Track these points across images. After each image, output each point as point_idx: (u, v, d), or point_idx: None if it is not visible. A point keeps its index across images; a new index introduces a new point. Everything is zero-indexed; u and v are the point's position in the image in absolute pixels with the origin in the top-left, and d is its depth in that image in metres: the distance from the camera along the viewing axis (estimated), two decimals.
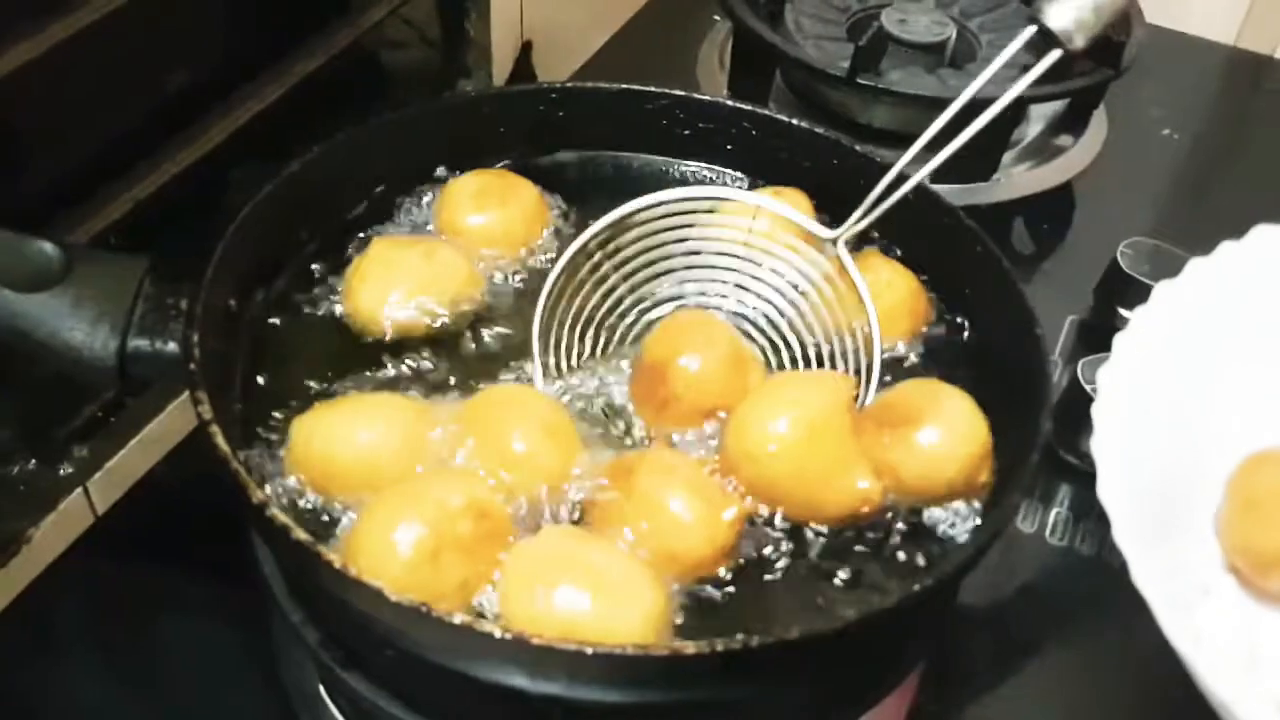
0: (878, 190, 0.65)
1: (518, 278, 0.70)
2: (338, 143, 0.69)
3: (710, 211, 0.68)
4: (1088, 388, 0.76)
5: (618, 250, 0.67)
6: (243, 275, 0.63)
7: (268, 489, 0.57)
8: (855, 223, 0.66)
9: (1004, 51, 0.63)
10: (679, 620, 0.54)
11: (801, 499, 0.58)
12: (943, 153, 0.63)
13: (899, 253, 0.71)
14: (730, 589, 0.56)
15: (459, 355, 0.65)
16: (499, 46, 1.03)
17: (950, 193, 0.72)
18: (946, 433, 0.59)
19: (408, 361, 0.64)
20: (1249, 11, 1.29)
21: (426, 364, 0.64)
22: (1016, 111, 1.03)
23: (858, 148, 0.72)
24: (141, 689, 0.69)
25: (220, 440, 0.52)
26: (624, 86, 0.75)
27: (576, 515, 0.58)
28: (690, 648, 0.47)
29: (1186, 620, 0.56)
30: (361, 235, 0.70)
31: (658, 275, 0.68)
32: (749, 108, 0.74)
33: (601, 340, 0.66)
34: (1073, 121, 1.07)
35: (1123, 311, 0.68)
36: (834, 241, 0.66)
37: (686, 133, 0.76)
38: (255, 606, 0.63)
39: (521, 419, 0.58)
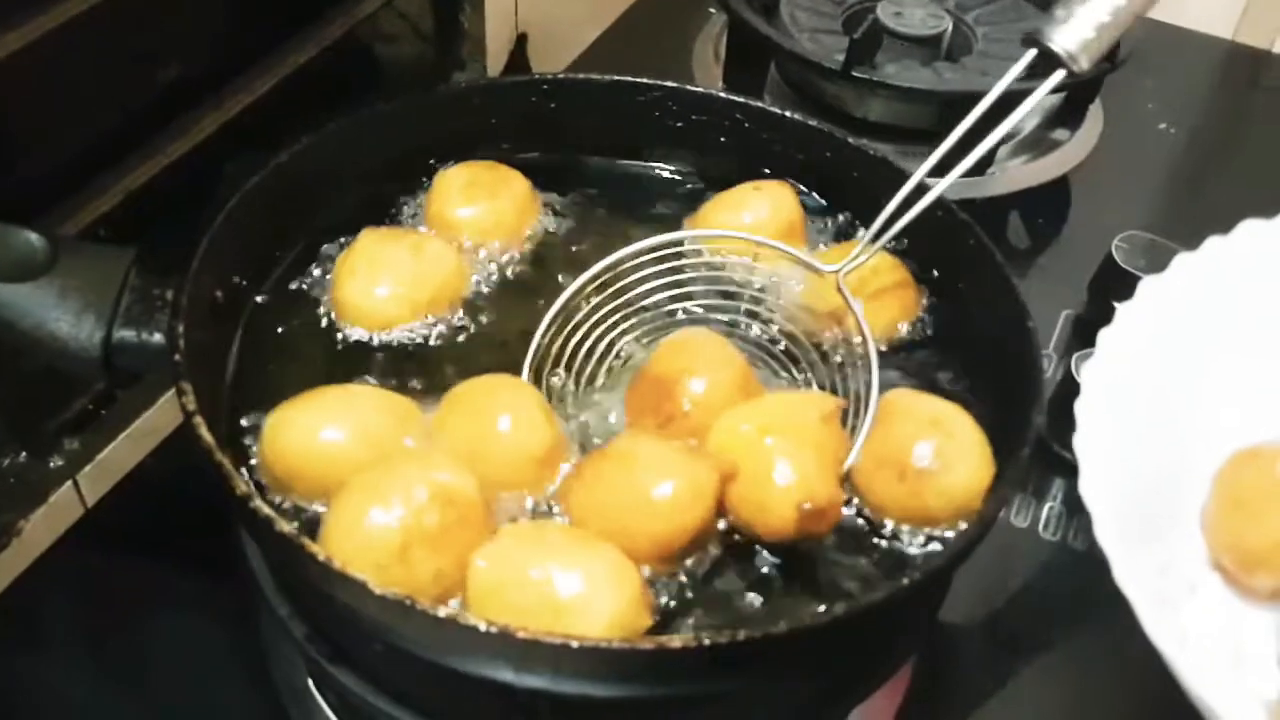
0: (876, 225, 0.64)
1: (507, 270, 0.69)
2: (327, 134, 0.68)
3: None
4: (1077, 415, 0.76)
5: (613, 291, 0.66)
6: (230, 267, 0.63)
7: (253, 481, 0.57)
8: (855, 258, 0.64)
9: (1001, 81, 0.61)
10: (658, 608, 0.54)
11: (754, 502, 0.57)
12: (938, 187, 0.63)
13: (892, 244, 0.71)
14: (716, 579, 0.56)
15: (446, 346, 0.65)
16: (493, 39, 1.03)
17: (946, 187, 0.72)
18: (958, 488, 0.57)
19: (395, 354, 0.64)
20: (1247, 6, 1.28)
21: (413, 356, 0.64)
22: (1012, 107, 1.02)
23: (850, 140, 0.72)
24: (130, 683, 0.69)
25: (205, 432, 0.52)
26: (616, 78, 0.75)
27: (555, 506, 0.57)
28: (676, 642, 0.47)
29: (1172, 618, 0.56)
30: (351, 227, 0.69)
31: (652, 319, 0.66)
32: (741, 100, 0.74)
33: (599, 375, 0.64)
34: (1069, 115, 1.06)
35: (1117, 306, 0.68)
36: (836, 274, 0.65)
37: (679, 125, 0.76)
38: (245, 600, 0.62)
39: (504, 406, 0.57)
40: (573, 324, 0.64)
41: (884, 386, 0.63)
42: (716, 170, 0.76)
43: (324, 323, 0.65)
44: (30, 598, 0.71)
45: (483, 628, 0.47)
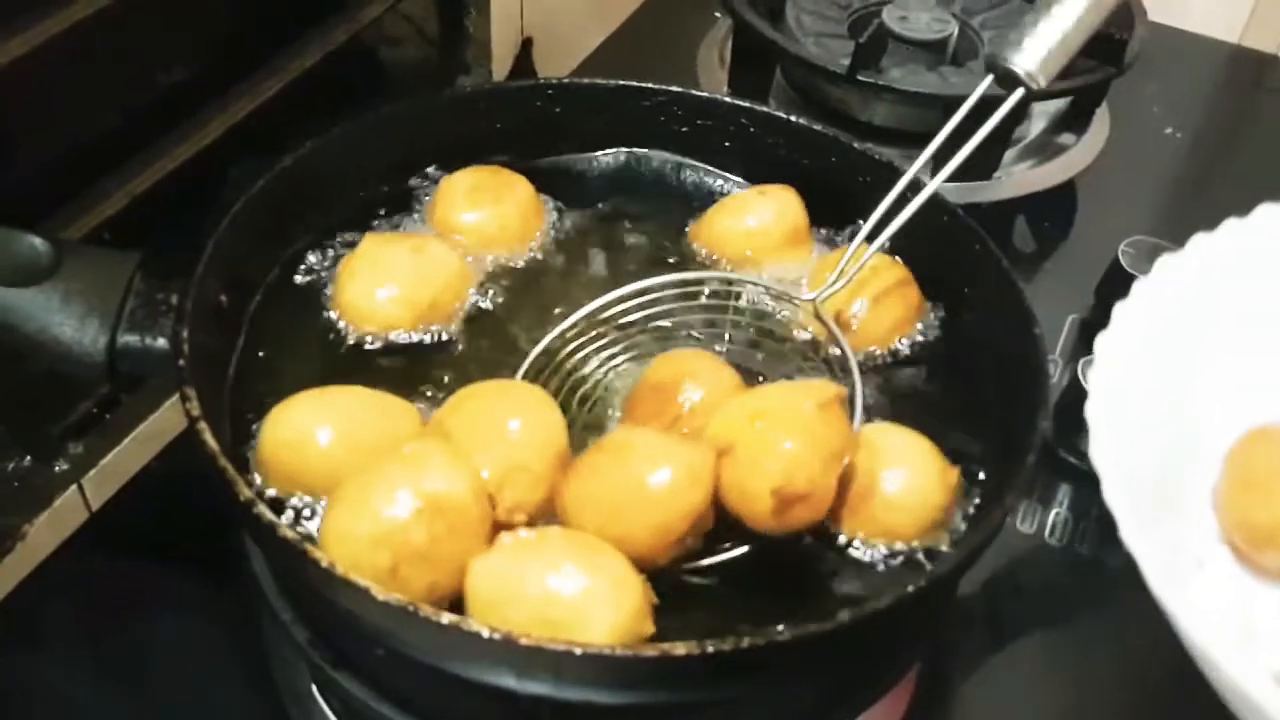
0: (853, 247, 0.64)
1: (511, 274, 0.69)
2: (331, 138, 0.68)
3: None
4: (1088, 388, 0.76)
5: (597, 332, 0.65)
6: (234, 270, 0.63)
7: (258, 485, 0.57)
8: (831, 285, 0.65)
9: (962, 106, 0.65)
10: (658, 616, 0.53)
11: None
12: (909, 207, 0.64)
13: (897, 249, 0.71)
14: (713, 582, 0.56)
15: (449, 351, 0.65)
16: (499, 43, 1.03)
17: (951, 191, 0.72)
18: (901, 512, 0.57)
19: (397, 357, 0.64)
20: (1254, 10, 1.28)
21: (416, 360, 0.64)
22: (1019, 111, 1.02)
23: (855, 145, 0.72)
24: (133, 686, 0.69)
25: (208, 437, 0.52)
26: (621, 83, 0.75)
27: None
28: (680, 649, 0.47)
29: (1180, 592, 0.55)
30: (355, 231, 0.69)
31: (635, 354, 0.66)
32: (746, 104, 0.74)
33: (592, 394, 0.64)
34: (1075, 120, 1.06)
35: (1138, 278, 0.69)
36: (814, 305, 0.65)
37: (684, 129, 0.76)
38: (248, 605, 0.62)
39: (509, 411, 0.56)
40: (569, 348, 0.64)
41: (890, 393, 0.63)
42: (722, 175, 0.76)
43: (327, 326, 0.65)
44: (34, 602, 0.71)
45: (485, 634, 0.47)
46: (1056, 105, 1.07)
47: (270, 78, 0.82)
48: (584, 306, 0.64)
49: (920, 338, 0.68)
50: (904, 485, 0.57)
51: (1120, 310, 0.65)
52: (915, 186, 0.64)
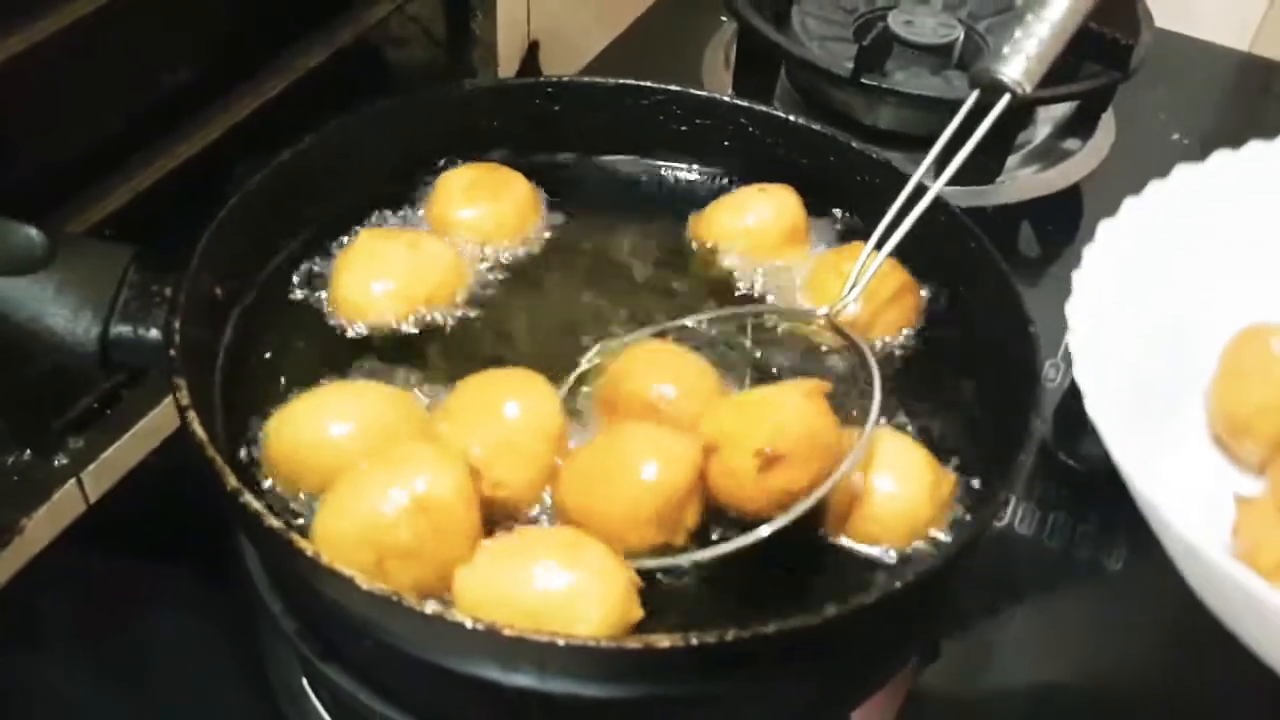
0: (863, 256, 0.65)
1: (507, 271, 0.69)
2: (329, 134, 0.69)
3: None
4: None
5: None
6: (230, 264, 0.63)
7: (257, 479, 0.57)
8: (845, 298, 0.65)
9: (950, 123, 0.67)
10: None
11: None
12: (913, 214, 0.65)
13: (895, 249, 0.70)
14: (704, 580, 0.56)
15: (443, 346, 0.65)
16: (505, 45, 1.03)
17: (955, 194, 0.71)
18: (886, 522, 0.58)
19: (391, 351, 0.64)
20: (1264, 18, 1.28)
21: (410, 354, 0.64)
22: (1023, 115, 1.02)
23: (854, 144, 0.72)
24: (129, 680, 0.69)
25: (198, 427, 0.52)
26: (620, 81, 0.75)
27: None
28: (664, 641, 0.47)
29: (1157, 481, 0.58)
30: (352, 227, 0.69)
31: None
32: (745, 104, 0.74)
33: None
34: (1080, 125, 1.06)
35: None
36: (828, 317, 0.66)
37: (683, 129, 0.76)
38: (243, 599, 0.62)
39: (505, 394, 0.57)
40: None
41: (886, 391, 0.63)
42: (721, 174, 0.76)
43: (322, 320, 0.65)
44: (29, 594, 0.71)
45: (469, 624, 0.47)
46: (1062, 110, 1.06)
47: (274, 76, 0.83)
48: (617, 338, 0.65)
49: (917, 336, 0.68)
50: (890, 496, 0.57)
51: (1089, 250, 0.68)
52: (919, 191, 0.66)
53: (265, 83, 0.82)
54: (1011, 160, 1.01)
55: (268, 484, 0.57)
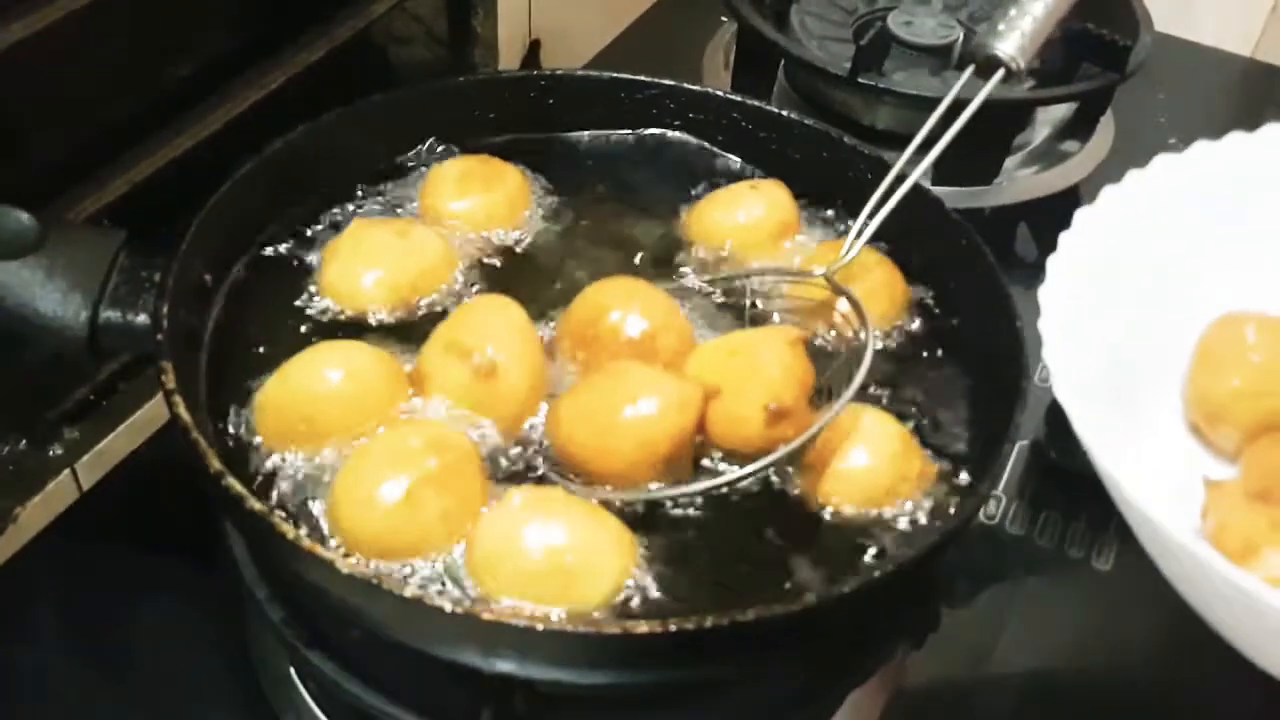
0: (860, 219, 0.65)
1: (496, 261, 0.69)
2: (321, 124, 0.69)
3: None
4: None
5: None
6: (219, 250, 0.64)
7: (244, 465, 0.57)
8: (844, 258, 0.65)
9: (950, 90, 0.69)
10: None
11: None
12: (908, 180, 0.65)
13: (885, 245, 0.70)
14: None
15: (431, 331, 0.65)
16: (506, 43, 1.03)
17: (952, 195, 0.72)
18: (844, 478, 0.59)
19: (380, 338, 0.64)
20: (1267, 23, 1.28)
21: (399, 342, 0.64)
22: (1021, 115, 1.02)
23: (846, 139, 0.72)
24: (118, 666, 0.69)
25: (182, 410, 0.52)
26: (614, 75, 0.75)
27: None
28: (642, 627, 0.47)
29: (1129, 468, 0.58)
30: (343, 216, 0.70)
31: None
32: (738, 98, 0.74)
33: None
34: (1079, 127, 1.06)
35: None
36: (826, 277, 0.66)
37: (677, 123, 0.76)
38: (232, 588, 0.62)
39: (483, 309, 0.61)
40: None
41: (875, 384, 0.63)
42: (713, 169, 0.76)
43: (311, 307, 0.65)
44: (20, 581, 0.71)
45: (448, 608, 0.47)
46: (1061, 112, 1.06)
47: (274, 71, 0.83)
48: None
49: (906, 330, 0.68)
50: (849, 455, 0.59)
51: (1065, 238, 0.70)
52: (926, 144, 0.66)
53: (265, 77, 0.83)
54: (1010, 162, 1.01)
55: (258, 440, 0.58)
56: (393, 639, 0.51)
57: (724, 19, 1.15)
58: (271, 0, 0.86)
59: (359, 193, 0.72)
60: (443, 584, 0.52)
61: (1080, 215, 0.70)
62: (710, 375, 0.59)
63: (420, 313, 0.65)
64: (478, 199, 0.70)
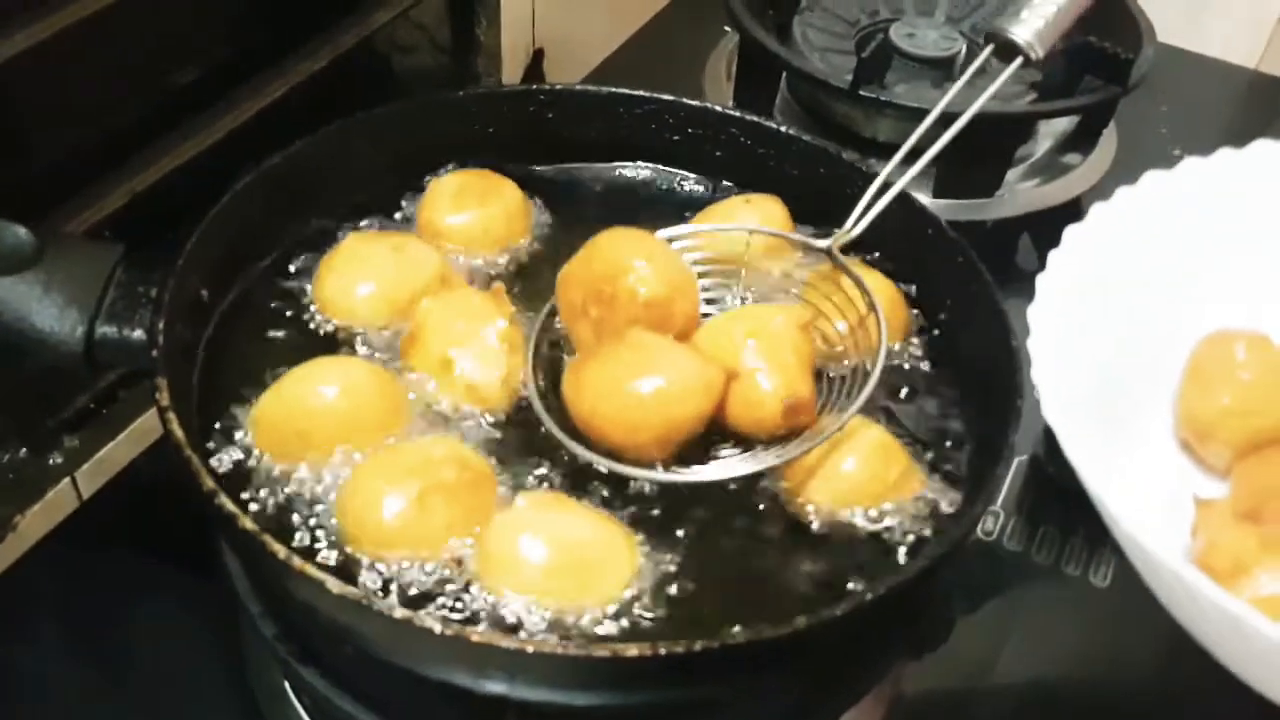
0: (867, 197, 0.65)
1: (496, 276, 0.70)
2: (320, 137, 0.69)
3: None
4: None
5: None
6: (217, 265, 0.64)
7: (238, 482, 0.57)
8: (848, 231, 0.66)
9: (970, 67, 0.70)
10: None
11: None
12: (924, 158, 0.66)
13: (884, 263, 0.70)
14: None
15: None
16: (510, 53, 1.03)
17: (953, 208, 0.71)
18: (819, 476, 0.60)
19: (375, 353, 0.64)
20: (1273, 35, 1.27)
21: (394, 357, 0.64)
22: (1023, 128, 1.02)
23: (844, 155, 0.72)
24: (116, 674, 0.70)
25: (176, 427, 0.52)
26: (613, 90, 0.75)
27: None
28: (631, 649, 0.47)
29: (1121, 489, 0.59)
30: (341, 231, 0.70)
31: None
32: (736, 113, 0.74)
33: None
34: (1082, 140, 1.05)
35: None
36: (829, 251, 0.66)
37: (676, 138, 0.76)
38: (229, 601, 0.62)
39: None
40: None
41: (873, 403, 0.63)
42: (711, 183, 0.76)
43: (307, 322, 0.65)
44: (20, 589, 0.72)
45: (437, 629, 0.47)
46: (1063, 125, 1.06)
47: (277, 80, 0.83)
48: None
49: (906, 350, 0.68)
50: (825, 455, 0.60)
51: (1054, 255, 0.70)
52: (947, 119, 0.69)
53: (268, 86, 0.83)
54: (1011, 174, 1.00)
55: (254, 454, 0.58)
56: (383, 658, 0.51)
57: (727, 29, 1.15)
58: (275, 8, 0.86)
59: (355, 207, 0.72)
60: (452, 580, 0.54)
61: (1069, 233, 0.70)
62: (725, 355, 0.60)
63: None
64: (475, 213, 0.70)
